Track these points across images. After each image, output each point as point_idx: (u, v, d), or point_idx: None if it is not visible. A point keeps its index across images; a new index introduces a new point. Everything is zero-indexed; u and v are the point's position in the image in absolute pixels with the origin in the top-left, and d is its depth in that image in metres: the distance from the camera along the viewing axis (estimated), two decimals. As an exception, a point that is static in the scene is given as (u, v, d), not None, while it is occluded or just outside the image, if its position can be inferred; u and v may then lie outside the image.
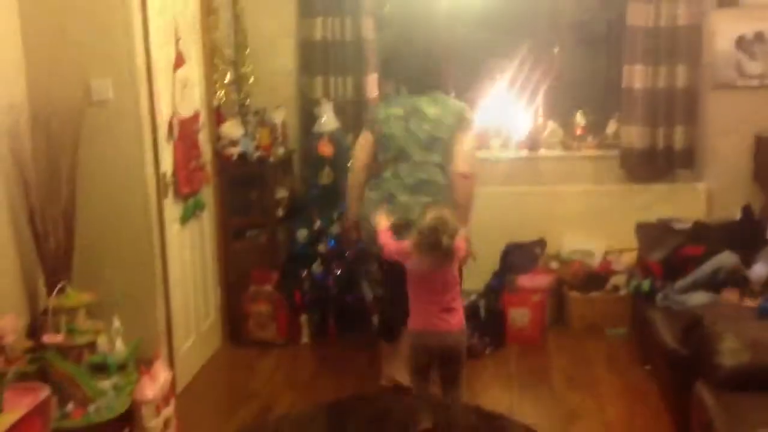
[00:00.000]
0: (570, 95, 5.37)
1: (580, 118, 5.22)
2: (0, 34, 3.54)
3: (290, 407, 3.93)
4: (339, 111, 4.96)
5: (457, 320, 3.40)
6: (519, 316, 4.67)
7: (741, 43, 4.83)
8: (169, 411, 3.60)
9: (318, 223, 4.84)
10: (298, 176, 5.23)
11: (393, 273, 3.66)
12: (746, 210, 4.28)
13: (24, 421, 2.78)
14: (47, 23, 3.67)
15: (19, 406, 2.80)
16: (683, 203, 4.89)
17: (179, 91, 4.16)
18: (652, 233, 4.55)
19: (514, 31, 5.39)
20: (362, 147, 3.97)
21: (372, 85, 5.09)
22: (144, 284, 3.90)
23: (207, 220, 4.60)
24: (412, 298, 3.43)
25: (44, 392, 2.95)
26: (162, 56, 3.97)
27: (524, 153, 5.22)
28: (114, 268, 3.83)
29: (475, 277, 4.94)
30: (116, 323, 3.59)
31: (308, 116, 5.07)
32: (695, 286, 3.87)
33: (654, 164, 4.95)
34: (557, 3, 5.43)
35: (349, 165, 4.13)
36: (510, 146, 5.25)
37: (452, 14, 5.37)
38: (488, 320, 4.62)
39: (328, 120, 4.91)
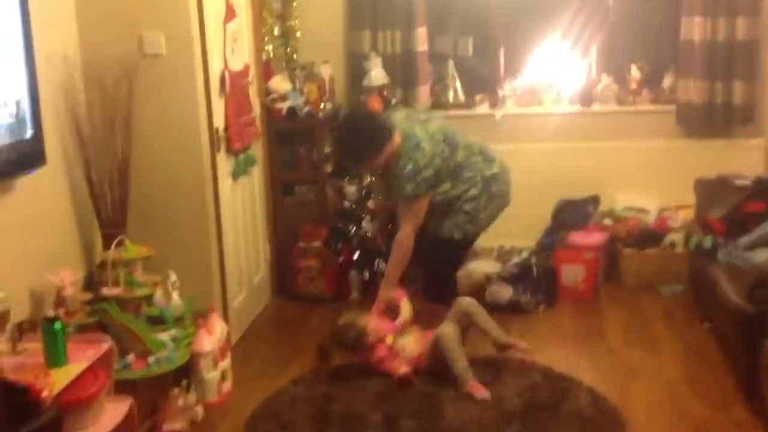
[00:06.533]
0: (624, 48, 5.21)
1: (635, 72, 5.08)
2: (53, -16, 3.50)
3: (342, 360, 3.88)
4: (387, 65, 4.87)
5: None
6: (572, 273, 4.60)
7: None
8: (225, 363, 3.62)
9: (367, 180, 4.80)
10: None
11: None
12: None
13: (89, 372, 2.79)
14: (99, -27, 3.63)
15: (83, 358, 2.80)
16: (742, 159, 4.75)
17: (230, 44, 4.10)
18: (711, 190, 4.45)
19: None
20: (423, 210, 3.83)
21: (421, 39, 5.00)
22: (198, 238, 3.88)
23: (257, 175, 4.57)
24: None
25: (106, 344, 2.95)
26: (212, 9, 3.91)
27: (577, 108, 5.10)
28: (168, 221, 3.82)
29: (527, 234, 4.90)
30: (173, 276, 3.58)
31: (356, 71, 4.99)
32: (760, 243, 3.77)
33: (712, 119, 4.82)
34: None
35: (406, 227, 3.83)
36: (562, 101, 5.14)
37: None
38: (540, 277, 4.55)
39: (377, 75, 4.82)
